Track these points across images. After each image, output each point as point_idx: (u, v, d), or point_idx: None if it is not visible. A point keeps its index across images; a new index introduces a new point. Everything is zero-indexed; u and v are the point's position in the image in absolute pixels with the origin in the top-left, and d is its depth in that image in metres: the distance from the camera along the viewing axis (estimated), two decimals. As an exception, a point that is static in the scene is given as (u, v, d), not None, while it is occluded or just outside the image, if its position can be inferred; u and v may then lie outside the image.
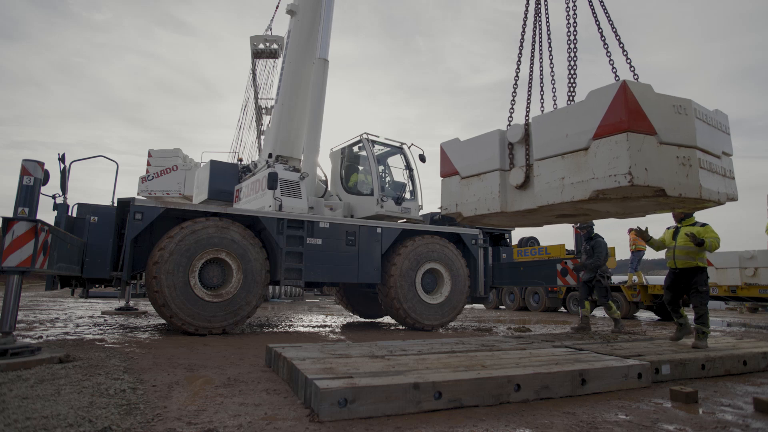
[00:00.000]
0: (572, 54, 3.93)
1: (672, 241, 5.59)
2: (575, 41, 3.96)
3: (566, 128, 3.48)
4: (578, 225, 7.81)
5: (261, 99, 20.15)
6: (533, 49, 4.38)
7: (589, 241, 7.83)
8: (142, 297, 15.33)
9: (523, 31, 4.34)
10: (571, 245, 9.43)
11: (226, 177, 9.60)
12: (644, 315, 14.57)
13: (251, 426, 2.55)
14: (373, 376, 3.11)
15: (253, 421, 2.63)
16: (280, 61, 20.32)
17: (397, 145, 9.65)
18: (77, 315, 10.05)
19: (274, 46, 18.72)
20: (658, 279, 16.40)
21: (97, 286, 7.43)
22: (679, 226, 5.63)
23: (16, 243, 3.97)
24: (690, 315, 5.78)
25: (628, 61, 3.73)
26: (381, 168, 9.46)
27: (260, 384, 3.60)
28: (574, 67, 3.91)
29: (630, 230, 12.03)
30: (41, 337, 6.17)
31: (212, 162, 9.70)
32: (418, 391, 2.88)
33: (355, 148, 9.62)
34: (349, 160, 9.71)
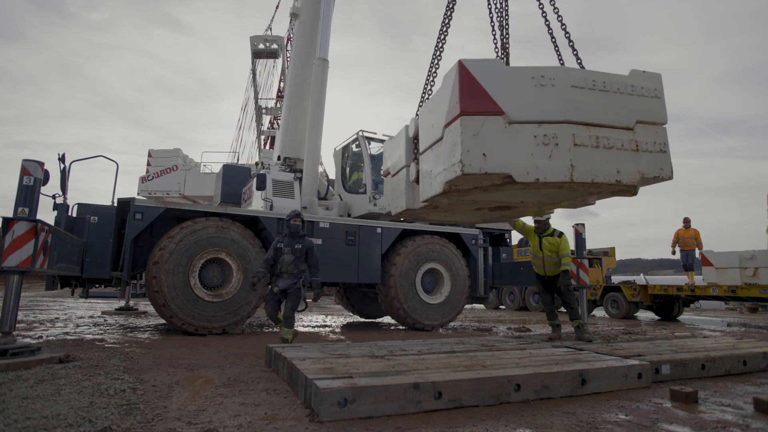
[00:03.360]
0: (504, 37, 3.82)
1: (540, 251, 6.08)
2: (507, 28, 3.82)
3: (433, 117, 3.22)
4: (288, 215, 5.78)
5: (261, 99, 20.19)
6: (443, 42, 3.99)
7: (299, 239, 5.63)
8: (142, 297, 15.32)
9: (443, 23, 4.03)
10: (571, 245, 9.40)
11: (238, 180, 9.65)
12: (644, 315, 14.57)
13: (251, 426, 2.55)
14: (373, 376, 3.11)
15: (253, 421, 2.63)
16: (280, 61, 20.36)
17: None
18: (77, 315, 10.05)
19: (274, 46, 18.75)
20: (658, 279, 16.40)
21: (97, 286, 7.44)
22: (541, 236, 6.08)
23: (16, 243, 3.97)
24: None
25: (575, 53, 3.53)
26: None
27: (260, 384, 3.60)
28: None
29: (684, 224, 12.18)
30: (41, 337, 6.17)
31: (224, 166, 9.84)
32: (418, 391, 2.88)
33: (354, 147, 9.63)
34: (349, 158, 9.73)
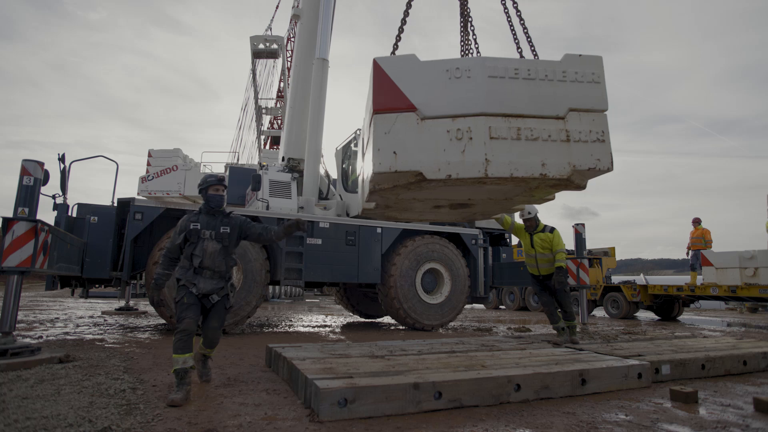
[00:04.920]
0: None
1: (531, 249, 5.88)
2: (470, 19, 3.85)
3: (365, 117, 3.17)
4: (205, 181, 3.75)
5: (261, 99, 20.21)
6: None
7: (224, 217, 3.74)
8: (142, 297, 15.33)
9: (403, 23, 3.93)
10: (571, 245, 9.38)
11: (244, 181, 9.65)
12: (644, 315, 14.57)
13: (251, 426, 2.55)
14: (373, 376, 3.11)
15: (253, 421, 2.63)
16: (280, 61, 20.36)
17: None
18: (77, 315, 10.05)
19: (274, 46, 18.75)
20: (658, 279, 16.39)
21: (97, 286, 7.44)
22: (532, 233, 5.87)
23: (16, 243, 3.97)
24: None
25: (529, 40, 3.48)
26: None
27: (260, 384, 3.60)
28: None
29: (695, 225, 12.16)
30: (41, 337, 6.17)
31: (231, 167, 9.84)
32: (418, 391, 2.88)
33: (353, 146, 9.62)
34: (349, 158, 9.71)
